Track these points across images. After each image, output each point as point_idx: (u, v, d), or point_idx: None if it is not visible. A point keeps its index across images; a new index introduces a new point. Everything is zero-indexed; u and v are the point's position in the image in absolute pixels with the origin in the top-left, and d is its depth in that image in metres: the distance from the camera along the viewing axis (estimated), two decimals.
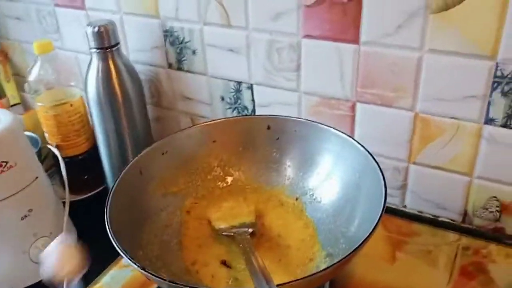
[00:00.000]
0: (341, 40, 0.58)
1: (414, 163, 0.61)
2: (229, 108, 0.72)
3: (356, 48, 0.57)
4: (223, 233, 0.54)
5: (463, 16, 0.50)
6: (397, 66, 0.56)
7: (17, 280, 0.60)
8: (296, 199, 0.58)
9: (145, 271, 0.39)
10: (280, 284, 0.37)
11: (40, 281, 0.61)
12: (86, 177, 0.77)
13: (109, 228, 0.42)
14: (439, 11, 0.51)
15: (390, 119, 0.60)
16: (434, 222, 0.62)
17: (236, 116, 0.66)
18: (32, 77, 0.71)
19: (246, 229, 0.52)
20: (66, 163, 0.70)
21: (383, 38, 0.55)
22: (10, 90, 0.94)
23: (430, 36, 0.52)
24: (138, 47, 0.75)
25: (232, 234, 0.52)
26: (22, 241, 0.60)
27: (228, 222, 0.55)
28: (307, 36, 0.60)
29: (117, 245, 0.41)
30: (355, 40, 0.57)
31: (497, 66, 0.51)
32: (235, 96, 0.71)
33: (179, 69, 0.73)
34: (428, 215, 0.64)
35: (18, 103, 0.94)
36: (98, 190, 0.77)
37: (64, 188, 0.75)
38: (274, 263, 0.50)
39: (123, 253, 0.40)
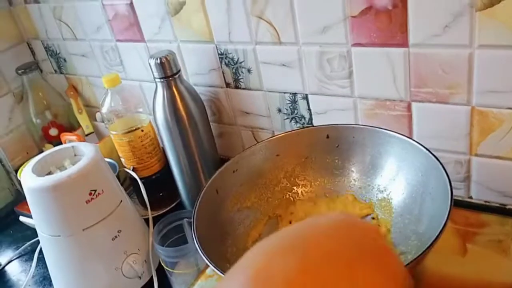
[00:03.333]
0: (390, 45, 0.60)
1: (476, 154, 0.62)
2: (287, 118, 0.76)
3: (406, 51, 0.59)
4: None
5: (510, 11, 0.50)
6: (448, 64, 0.57)
7: None
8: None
9: None
10: None
11: None
12: (161, 194, 0.83)
13: (199, 247, 0.47)
14: (484, 8, 0.52)
15: (447, 114, 0.61)
16: (501, 211, 0.63)
17: (295, 130, 0.68)
18: (104, 109, 0.78)
19: None
20: (142, 184, 0.77)
21: (432, 39, 0.56)
22: (83, 120, 1.02)
23: (479, 33, 0.53)
24: (197, 71, 0.80)
25: None
26: (115, 259, 0.66)
27: None
28: (356, 44, 0.62)
29: (209, 262, 0.45)
30: (404, 43, 0.58)
31: None
32: (291, 107, 0.74)
33: (237, 87, 0.78)
34: (495, 204, 0.64)
35: (92, 132, 1.02)
36: (173, 205, 0.83)
37: (142, 206, 0.81)
38: None
39: (216, 269, 0.45)
